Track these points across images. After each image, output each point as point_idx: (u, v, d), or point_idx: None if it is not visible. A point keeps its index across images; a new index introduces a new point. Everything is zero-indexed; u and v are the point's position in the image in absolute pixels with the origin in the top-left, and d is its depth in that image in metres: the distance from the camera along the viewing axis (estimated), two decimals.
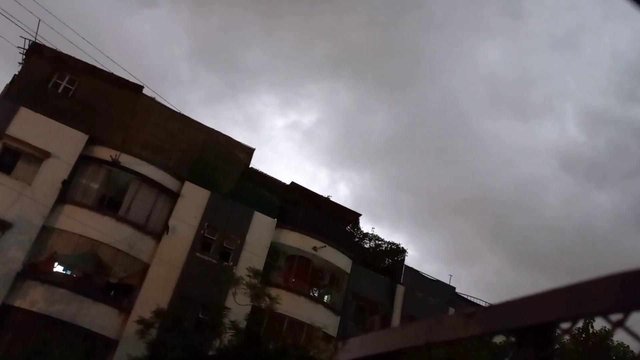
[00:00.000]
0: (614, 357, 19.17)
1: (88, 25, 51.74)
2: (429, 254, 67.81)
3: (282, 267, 25.07)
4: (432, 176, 74.03)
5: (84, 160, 21.37)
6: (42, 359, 17.27)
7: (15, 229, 19.12)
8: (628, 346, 19.24)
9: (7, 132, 20.16)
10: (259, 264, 22.40)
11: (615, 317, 0.83)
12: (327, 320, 23.46)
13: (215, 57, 72.85)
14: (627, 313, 0.81)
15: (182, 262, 21.73)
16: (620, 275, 0.81)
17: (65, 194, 20.56)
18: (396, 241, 32.02)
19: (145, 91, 24.06)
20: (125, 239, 20.79)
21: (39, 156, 20.54)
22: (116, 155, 21.52)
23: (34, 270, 19.39)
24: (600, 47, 76.41)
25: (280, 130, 77.38)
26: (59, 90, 22.82)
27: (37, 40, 22.10)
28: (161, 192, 22.59)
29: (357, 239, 29.95)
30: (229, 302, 20.03)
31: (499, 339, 14.77)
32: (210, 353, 19.01)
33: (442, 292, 29.20)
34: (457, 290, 30.84)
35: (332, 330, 24.04)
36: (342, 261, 25.79)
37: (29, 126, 20.40)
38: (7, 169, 20.07)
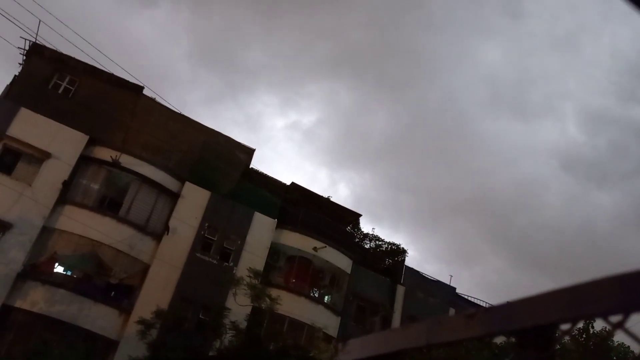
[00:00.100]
0: (614, 358, 19.16)
1: (88, 26, 51.79)
2: (429, 254, 67.83)
3: (283, 267, 25.07)
4: (433, 176, 74.07)
5: (85, 160, 21.38)
6: None
7: (16, 230, 19.13)
8: (629, 347, 19.23)
9: (7, 133, 20.18)
10: (260, 265, 22.41)
11: (615, 318, 0.83)
12: (327, 321, 23.46)
13: (215, 58, 72.93)
14: (626, 314, 0.81)
15: (182, 262, 21.73)
16: (620, 277, 0.82)
17: (66, 195, 20.56)
18: (396, 241, 31.96)
19: (145, 92, 24.10)
20: (125, 239, 20.79)
21: (40, 157, 20.55)
22: (116, 155, 21.53)
23: (35, 271, 19.39)
24: (600, 47, 76.46)
25: (280, 131, 77.45)
26: (60, 91, 22.83)
27: (37, 41, 22.12)
28: (161, 192, 22.60)
29: (357, 240, 29.95)
30: (230, 302, 20.03)
31: (499, 340, 14.77)
32: (210, 354, 19.02)
33: (443, 292, 29.19)
34: (457, 291, 30.83)
35: (333, 331, 24.03)
36: (342, 262, 25.78)
37: (30, 127, 20.41)
38: (8, 170, 20.08)
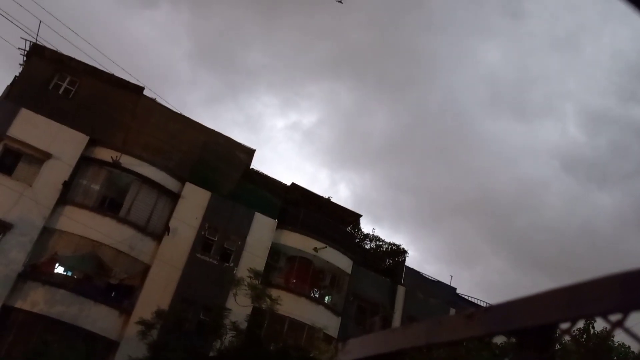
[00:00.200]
0: (614, 358, 19.16)
1: (88, 27, 51.83)
2: (429, 255, 67.80)
3: (283, 268, 25.07)
4: (433, 176, 74.07)
5: (85, 161, 21.39)
6: None
7: (16, 230, 19.14)
8: (629, 347, 19.23)
9: (8, 134, 20.19)
10: (260, 265, 22.41)
11: (615, 317, 0.83)
12: (327, 321, 23.45)
13: (215, 58, 72.95)
14: (626, 313, 0.81)
15: (182, 263, 21.74)
16: (620, 276, 0.82)
17: (66, 195, 20.58)
18: (397, 242, 32.01)
19: (145, 92, 24.12)
20: (126, 240, 20.80)
21: (40, 157, 20.56)
22: (117, 156, 21.54)
23: (35, 271, 19.40)
24: (600, 47, 76.41)
25: (281, 131, 77.47)
26: (60, 92, 22.84)
27: (37, 42, 22.15)
28: (162, 193, 22.61)
29: (357, 240, 29.95)
30: (230, 303, 20.04)
31: (500, 340, 14.77)
32: (211, 354, 19.02)
33: (443, 293, 29.18)
34: (458, 291, 30.82)
35: (333, 331, 24.03)
36: (342, 262, 25.78)
37: (30, 127, 20.43)
38: (8, 170, 20.09)
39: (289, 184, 27.31)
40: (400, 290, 27.66)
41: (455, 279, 46.26)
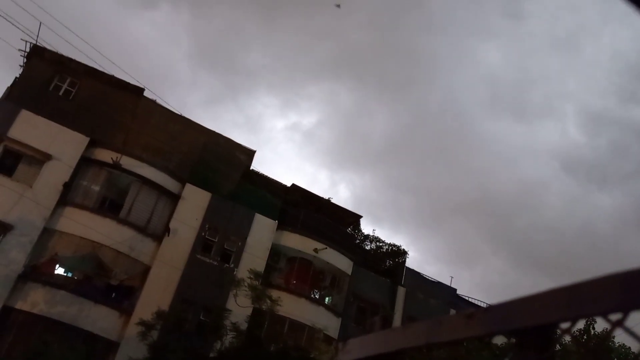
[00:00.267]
0: (615, 359, 19.14)
1: (89, 28, 51.89)
2: (430, 255, 67.78)
3: (283, 268, 25.07)
4: (433, 177, 74.06)
5: (85, 162, 21.40)
6: None
7: (17, 231, 19.15)
8: (629, 348, 19.21)
9: (8, 135, 20.20)
10: (260, 266, 22.41)
11: (615, 316, 0.83)
12: (328, 322, 23.45)
13: (215, 59, 72.95)
14: (626, 313, 0.81)
15: (183, 264, 21.73)
16: (620, 275, 0.82)
17: (66, 196, 20.58)
18: (397, 243, 32.07)
19: (146, 93, 24.13)
20: (126, 241, 20.80)
21: (40, 158, 20.57)
22: (117, 157, 21.55)
23: (35, 272, 19.41)
24: (600, 48, 76.40)
25: (281, 132, 77.46)
26: (60, 93, 22.85)
27: (38, 43, 22.17)
28: (162, 194, 22.61)
29: (358, 241, 29.95)
30: (230, 304, 20.04)
31: (500, 341, 14.77)
32: (211, 355, 19.03)
33: (443, 293, 29.17)
34: (458, 292, 30.81)
35: (333, 332, 24.02)
36: (343, 263, 25.78)
37: (30, 129, 20.44)
38: (9, 172, 20.10)
39: (289, 184, 27.34)
40: (401, 291, 27.66)
41: (456, 279, 46.35)
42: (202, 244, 22.66)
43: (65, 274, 21.12)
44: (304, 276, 24.93)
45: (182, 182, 23.07)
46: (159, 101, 24.77)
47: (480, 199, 69.99)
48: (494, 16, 74.17)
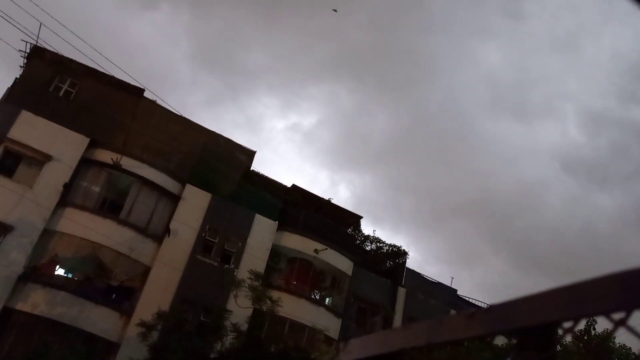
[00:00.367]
0: (615, 359, 19.11)
1: (89, 29, 51.88)
2: (430, 256, 67.74)
3: (284, 269, 25.06)
4: (433, 177, 74.04)
5: (85, 163, 21.40)
6: None
7: (17, 232, 19.15)
8: (630, 348, 19.18)
9: (8, 136, 20.21)
10: (260, 267, 22.40)
11: (617, 316, 0.83)
12: (328, 323, 23.42)
13: (215, 60, 72.98)
14: (629, 312, 0.81)
15: (183, 264, 21.73)
16: (622, 274, 0.81)
17: (67, 197, 20.59)
18: (397, 243, 32.06)
19: (146, 94, 24.13)
20: (126, 241, 20.80)
21: (40, 159, 20.58)
22: (117, 158, 21.55)
23: (36, 273, 19.41)
24: (600, 48, 76.38)
25: (281, 132, 77.43)
26: (60, 94, 22.87)
27: (38, 44, 22.18)
28: (162, 194, 22.61)
29: (358, 242, 29.94)
30: (231, 304, 20.03)
31: (501, 341, 14.76)
32: (211, 356, 19.02)
33: (444, 294, 29.15)
34: (458, 293, 30.79)
35: (334, 333, 23.99)
36: (343, 263, 25.77)
37: (30, 129, 20.44)
38: (9, 172, 20.11)
39: (289, 185, 27.33)
40: (401, 292, 27.64)
41: (456, 279, 46.34)
42: (202, 245, 22.65)
43: (65, 275, 21.13)
44: (304, 277, 24.92)
45: (183, 182, 23.07)
46: (159, 102, 24.79)
47: (481, 199, 70.00)
48: (494, 16, 74.21)
